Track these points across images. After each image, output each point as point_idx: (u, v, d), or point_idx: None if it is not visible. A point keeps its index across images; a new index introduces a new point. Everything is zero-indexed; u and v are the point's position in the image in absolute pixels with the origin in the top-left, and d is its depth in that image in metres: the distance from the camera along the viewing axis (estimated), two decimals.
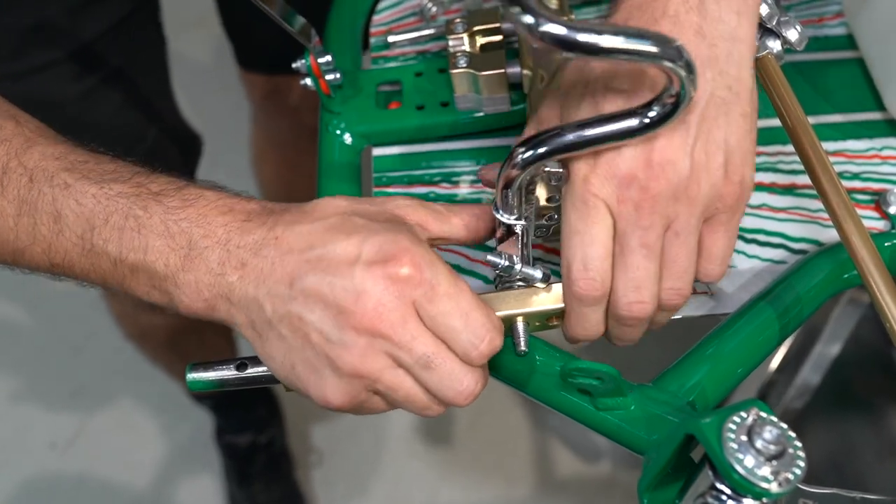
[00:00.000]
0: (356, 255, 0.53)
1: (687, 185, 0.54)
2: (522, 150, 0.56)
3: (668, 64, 0.49)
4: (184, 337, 1.44)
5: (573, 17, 0.70)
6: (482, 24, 0.76)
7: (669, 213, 0.55)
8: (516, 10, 0.48)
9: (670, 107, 0.52)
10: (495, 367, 0.63)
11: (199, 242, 0.56)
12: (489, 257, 0.60)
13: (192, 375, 0.64)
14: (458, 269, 0.72)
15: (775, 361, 1.29)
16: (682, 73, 0.50)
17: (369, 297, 0.53)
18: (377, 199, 0.60)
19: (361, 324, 0.53)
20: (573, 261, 0.57)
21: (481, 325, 0.54)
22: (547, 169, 0.61)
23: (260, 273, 0.55)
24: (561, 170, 0.61)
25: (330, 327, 0.53)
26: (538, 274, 0.60)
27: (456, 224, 0.62)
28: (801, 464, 0.48)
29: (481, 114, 0.78)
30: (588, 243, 0.56)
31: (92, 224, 0.57)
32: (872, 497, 0.58)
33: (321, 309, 0.53)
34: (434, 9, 0.86)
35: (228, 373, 0.64)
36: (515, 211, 0.61)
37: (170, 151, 1.14)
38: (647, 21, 0.55)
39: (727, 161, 0.55)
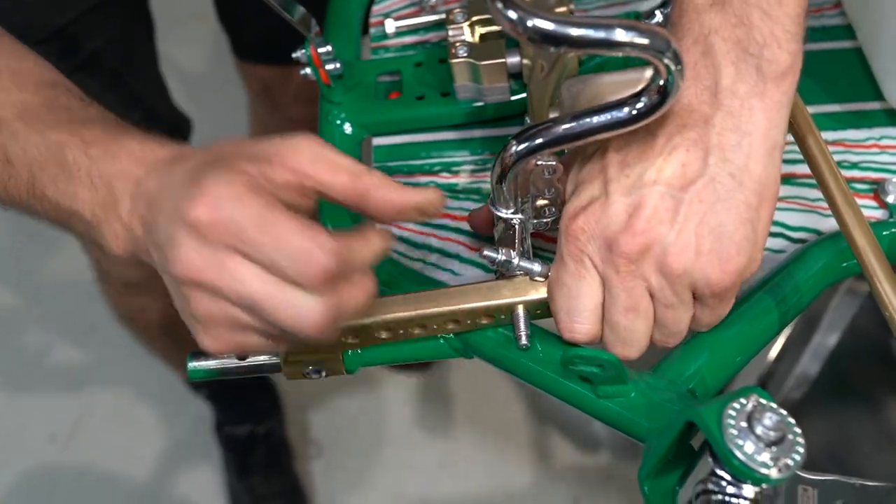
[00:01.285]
0: (174, 205, 0.52)
1: (666, 261, 0.55)
2: (515, 143, 0.57)
3: (655, 55, 0.49)
4: (177, 321, 1.44)
5: (572, 6, 0.70)
6: (482, 14, 0.76)
7: (651, 282, 0.56)
8: (499, 4, 0.48)
9: (658, 98, 0.52)
10: (496, 356, 0.63)
11: (117, 194, 0.56)
12: (485, 252, 0.61)
13: (193, 364, 0.65)
14: (458, 258, 0.73)
15: (774, 351, 1.30)
16: (670, 64, 0.50)
17: (179, 248, 0.51)
18: (268, 141, 0.55)
19: (182, 275, 0.51)
20: (559, 311, 0.59)
21: (302, 250, 0.50)
22: (540, 162, 0.61)
23: (148, 225, 0.55)
24: (554, 163, 0.61)
25: (169, 279, 0.54)
26: (536, 268, 0.61)
27: (342, 181, 0.55)
28: (801, 450, 0.49)
29: (481, 103, 0.78)
30: (574, 297, 0.58)
31: (32, 171, 0.59)
32: (871, 484, 0.58)
33: (162, 261, 0.53)
34: None
35: (229, 361, 0.65)
36: (511, 205, 0.61)
37: (164, 126, 1.15)
38: (660, 118, 0.55)
39: (719, 248, 0.55)
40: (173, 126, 1.21)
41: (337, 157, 0.55)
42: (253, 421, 1.70)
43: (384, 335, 0.62)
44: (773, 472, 0.48)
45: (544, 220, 0.64)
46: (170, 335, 1.48)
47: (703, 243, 0.55)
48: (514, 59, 0.75)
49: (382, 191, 0.55)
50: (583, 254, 0.57)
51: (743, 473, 0.49)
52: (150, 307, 1.40)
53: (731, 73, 0.55)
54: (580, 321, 0.59)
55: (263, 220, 0.50)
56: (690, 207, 0.55)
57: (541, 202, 0.64)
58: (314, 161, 0.54)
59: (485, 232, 0.68)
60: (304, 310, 0.51)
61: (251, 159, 0.53)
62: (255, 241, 0.50)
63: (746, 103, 0.55)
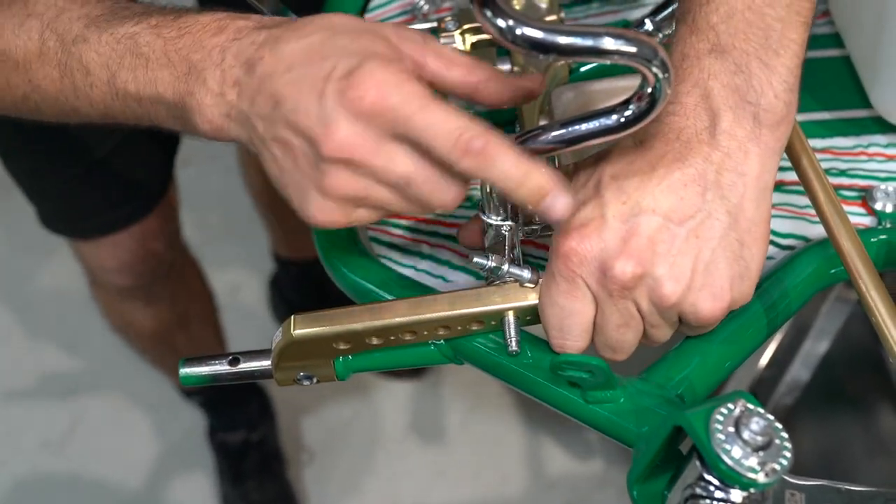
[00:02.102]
0: (325, 80, 0.53)
1: (658, 291, 0.56)
2: None
3: (643, 63, 0.50)
4: (170, 330, 1.45)
5: (563, 15, 0.71)
6: (473, 23, 0.76)
7: (641, 306, 0.58)
8: (488, 13, 0.49)
9: (646, 105, 0.53)
10: (486, 361, 0.64)
11: (198, 65, 0.57)
12: (475, 259, 0.61)
13: (185, 370, 0.65)
14: (449, 265, 0.73)
15: (765, 358, 1.30)
16: (658, 72, 0.51)
17: (337, 127, 0.52)
18: (376, 25, 0.58)
19: (335, 154, 0.53)
20: (550, 328, 0.60)
21: (456, 133, 0.52)
22: None
23: (251, 92, 0.56)
24: None
25: (311, 154, 0.54)
26: (526, 274, 0.61)
27: (457, 75, 0.58)
28: (788, 454, 0.49)
29: (472, 111, 0.78)
30: (566, 315, 0.59)
31: (111, 70, 0.60)
32: (858, 488, 0.59)
33: (299, 136, 0.54)
34: (426, 7, 0.87)
35: (221, 367, 0.65)
36: (501, 212, 0.61)
37: (148, 139, 1.15)
38: (661, 141, 0.57)
39: (712, 285, 0.57)
40: (163, 132, 1.21)
41: (450, 51, 0.58)
42: (246, 427, 1.70)
43: (375, 341, 0.63)
44: (761, 477, 0.48)
45: (534, 227, 0.64)
46: (163, 343, 1.48)
47: (696, 279, 0.56)
48: (505, 67, 0.75)
49: (493, 83, 0.58)
50: (575, 275, 0.57)
51: (730, 478, 0.49)
52: (144, 315, 1.40)
53: (730, 118, 0.57)
54: (571, 338, 0.60)
55: (424, 107, 0.52)
56: (686, 242, 0.56)
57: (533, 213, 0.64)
58: (433, 55, 0.57)
59: (475, 247, 0.68)
60: (449, 194, 0.55)
61: (384, 43, 0.55)
62: (415, 126, 0.52)
63: (743, 146, 0.57)
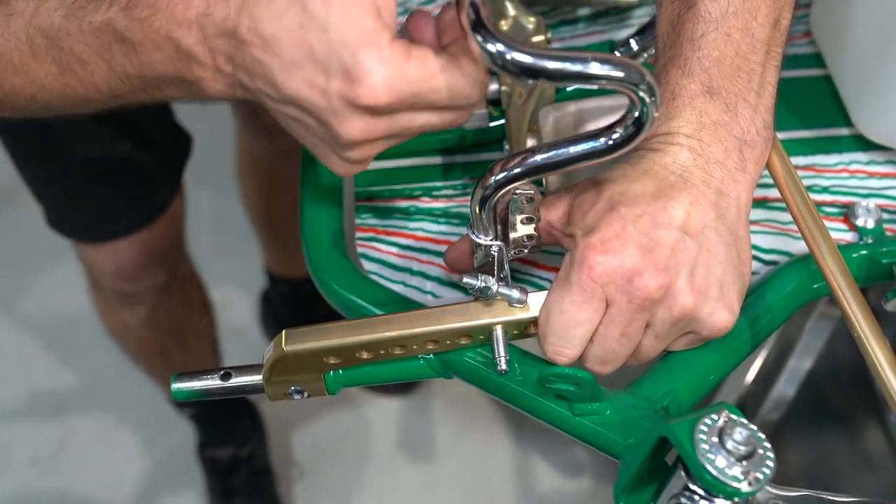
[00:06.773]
0: (325, 77, 0.54)
1: (678, 300, 0.58)
2: (494, 172, 0.58)
3: (630, 87, 0.51)
4: (166, 340, 1.45)
5: (549, 35, 0.72)
6: None
7: (658, 316, 0.59)
8: (479, 37, 0.50)
9: (633, 129, 0.54)
10: (474, 376, 0.64)
11: (182, 44, 0.56)
12: (465, 279, 0.61)
13: (177, 385, 0.65)
14: (438, 281, 0.74)
15: (751, 375, 1.31)
16: (645, 96, 0.52)
17: (351, 124, 0.55)
18: None
19: (353, 140, 0.56)
20: (551, 335, 0.61)
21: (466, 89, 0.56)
22: (519, 191, 0.63)
23: (245, 69, 0.56)
24: (532, 191, 0.63)
25: (329, 135, 0.57)
26: (515, 294, 0.61)
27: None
28: (771, 464, 0.50)
29: (461, 130, 0.79)
30: (573, 325, 0.60)
31: (105, 58, 0.59)
32: (841, 499, 0.60)
33: (313, 118, 0.56)
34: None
35: (213, 382, 0.65)
36: (490, 232, 0.62)
37: (159, 150, 1.17)
38: (661, 167, 0.61)
39: (724, 297, 0.59)
40: (177, 142, 1.22)
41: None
42: (236, 443, 1.70)
43: (365, 355, 0.63)
44: (744, 486, 0.49)
45: (523, 247, 0.65)
46: (158, 352, 1.48)
47: (711, 290, 0.59)
48: (492, 87, 0.76)
49: None
50: (596, 285, 0.58)
51: (715, 487, 0.50)
52: (141, 322, 1.40)
53: (721, 150, 0.61)
54: (571, 347, 0.60)
55: (428, 80, 0.55)
56: (700, 255, 0.58)
57: (520, 229, 0.65)
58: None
59: (461, 268, 0.69)
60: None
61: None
62: (426, 99, 0.55)
63: (733, 175, 0.61)
